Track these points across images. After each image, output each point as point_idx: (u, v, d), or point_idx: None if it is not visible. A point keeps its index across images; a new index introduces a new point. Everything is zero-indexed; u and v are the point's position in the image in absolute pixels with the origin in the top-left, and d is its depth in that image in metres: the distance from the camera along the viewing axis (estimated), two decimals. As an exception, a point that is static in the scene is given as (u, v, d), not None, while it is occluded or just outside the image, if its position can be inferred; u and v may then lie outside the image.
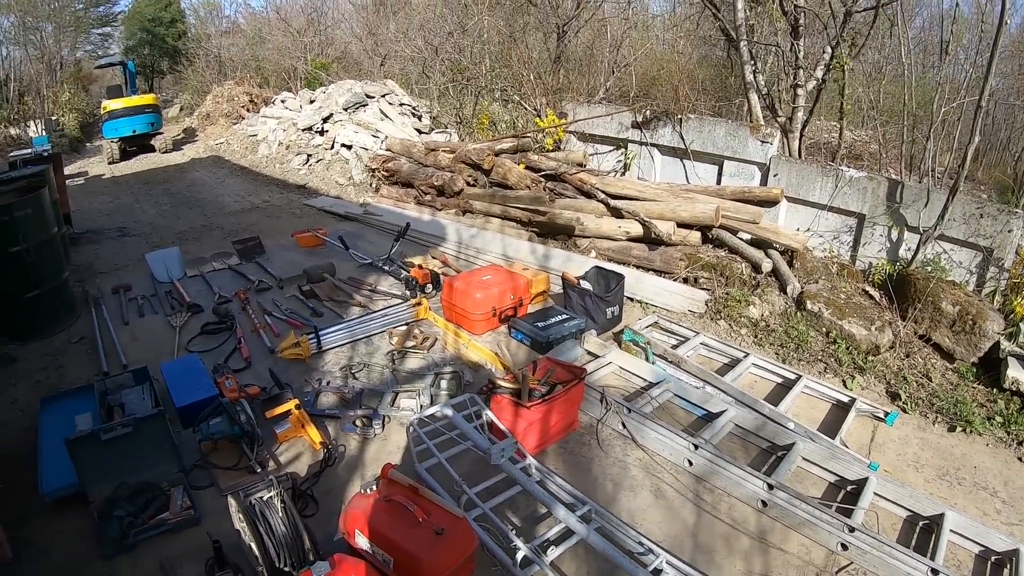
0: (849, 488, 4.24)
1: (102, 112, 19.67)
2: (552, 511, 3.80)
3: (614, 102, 11.82)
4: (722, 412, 4.86)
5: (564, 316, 6.14)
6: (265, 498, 3.61)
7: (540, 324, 5.99)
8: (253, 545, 3.50)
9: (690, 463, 4.39)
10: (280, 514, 3.53)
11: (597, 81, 13.68)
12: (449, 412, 4.42)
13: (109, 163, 18.81)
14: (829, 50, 8.23)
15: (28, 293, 6.82)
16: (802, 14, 8.39)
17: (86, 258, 9.65)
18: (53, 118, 24.46)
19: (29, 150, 14.71)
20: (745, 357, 5.67)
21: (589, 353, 5.79)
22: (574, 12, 14.22)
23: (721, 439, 4.69)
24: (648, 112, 9.31)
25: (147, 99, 19.78)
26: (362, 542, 3.44)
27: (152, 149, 19.92)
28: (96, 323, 7.08)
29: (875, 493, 4.08)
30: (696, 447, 4.35)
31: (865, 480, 4.13)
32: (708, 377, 5.29)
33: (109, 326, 6.97)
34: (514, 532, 3.62)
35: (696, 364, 5.46)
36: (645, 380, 5.42)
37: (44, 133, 19.93)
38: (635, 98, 11.76)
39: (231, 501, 3.69)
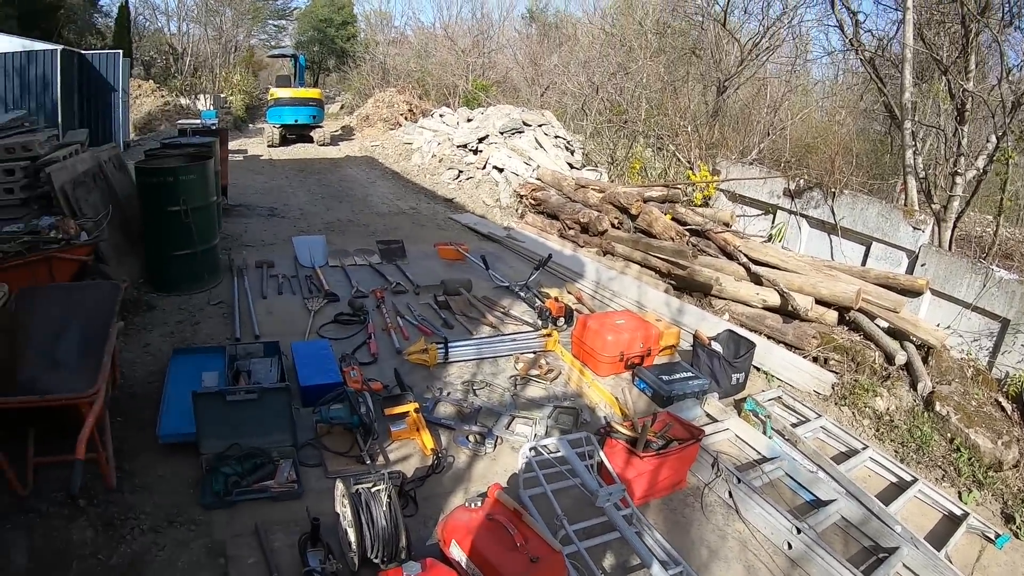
0: (945, 607, 4.08)
1: (269, 98, 20.97)
2: (646, 565, 3.79)
3: (765, 164, 11.79)
4: (831, 501, 4.77)
5: (689, 374, 6.11)
6: (372, 489, 3.72)
7: (665, 377, 5.99)
8: (351, 531, 3.63)
9: (789, 546, 4.29)
10: (384, 507, 3.63)
11: (751, 141, 13.62)
12: (564, 447, 4.47)
13: (268, 146, 20.06)
14: (994, 140, 8.04)
15: (179, 251, 7.44)
16: (970, 99, 8.23)
17: (235, 230, 10.34)
18: (222, 95, 26.01)
19: (197, 121, 15.71)
20: (863, 449, 5.54)
21: (708, 416, 5.77)
22: (736, 68, 14.23)
23: (825, 528, 4.59)
24: (802, 181, 9.22)
25: (312, 93, 21.00)
26: (456, 553, 3.53)
27: (310, 140, 21.10)
28: (236, 291, 7.63)
29: (970, 617, 3.91)
30: (799, 531, 4.29)
31: (964, 602, 3.96)
32: (823, 463, 5.18)
33: (248, 296, 7.50)
34: (603, 577, 3.58)
35: (813, 447, 5.37)
36: (759, 453, 5.36)
37: (213, 108, 21.16)
38: (787, 163, 11.71)
39: (338, 484, 3.83)
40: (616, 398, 5.95)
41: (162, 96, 24.25)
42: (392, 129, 22.20)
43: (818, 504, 4.84)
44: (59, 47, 14.36)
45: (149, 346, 6.24)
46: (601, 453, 4.62)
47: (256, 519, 4.05)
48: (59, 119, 13.67)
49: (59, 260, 6.02)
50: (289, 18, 43.20)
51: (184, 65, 29.01)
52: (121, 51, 16.86)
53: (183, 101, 25.20)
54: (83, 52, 16.03)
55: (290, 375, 5.64)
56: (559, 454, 4.50)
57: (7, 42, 14.19)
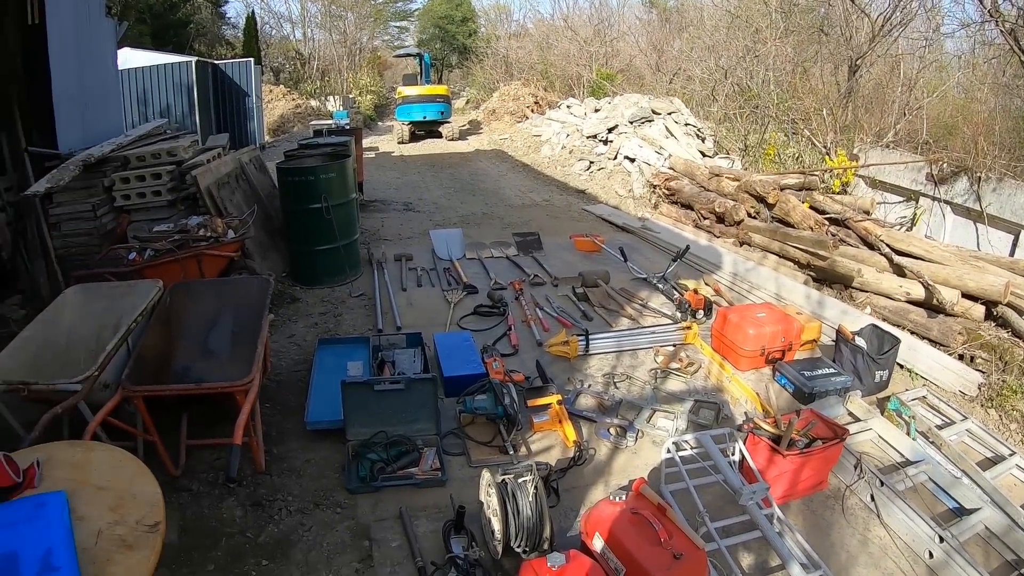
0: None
1: (397, 97, 21.82)
2: (787, 566, 3.70)
3: (902, 146, 11.43)
4: (976, 510, 4.52)
5: (832, 370, 5.95)
6: (519, 479, 3.74)
7: (807, 373, 5.86)
8: (495, 520, 3.71)
9: (931, 555, 4.06)
10: (530, 498, 3.65)
11: (886, 121, 13.12)
12: (707, 442, 4.37)
13: (399, 143, 20.85)
14: None
15: (321, 246, 7.87)
16: None
17: (373, 224, 10.80)
18: (351, 96, 27.09)
19: (330, 121, 16.49)
20: (1010, 456, 5.21)
21: (851, 414, 5.60)
22: (868, 45, 13.71)
23: (968, 538, 4.27)
24: (944, 166, 8.91)
25: (439, 89, 21.65)
26: (599, 545, 3.53)
27: (439, 135, 21.66)
28: (377, 284, 7.97)
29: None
30: (941, 539, 4.01)
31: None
32: (968, 469, 4.92)
33: (388, 289, 7.84)
34: (743, 577, 3.58)
35: (958, 451, 5.11)
36: (902, 456, 5.15)
37: (343, 108, 22.08)
38: (924, 144, 11.31)
39: (485, 473, 3.91)
40: (757, 394, 5.87)
41: (293, 100, 25.53)
42: (519, 122, 22.56)
43: (962, 512, 4.60)
44: (193, 59, 15.41)
45: (294, 336, 6.66)
46: (744, 450, 4.50)
47: (400, 504, 4.23)
48: (197, 125, 14.67)
49: (209, 256, 6.44)
50: (410, 18, 44.52)
51: (312, 69, 30.39)
52: (251, 59, 17.83)
53: (313, 103, 26.45)
54: (216, 62, 17.08)
55: (432, 365, 5.83)
56: (700, 449, 4.45)
57: (145, 56, 15.34)
